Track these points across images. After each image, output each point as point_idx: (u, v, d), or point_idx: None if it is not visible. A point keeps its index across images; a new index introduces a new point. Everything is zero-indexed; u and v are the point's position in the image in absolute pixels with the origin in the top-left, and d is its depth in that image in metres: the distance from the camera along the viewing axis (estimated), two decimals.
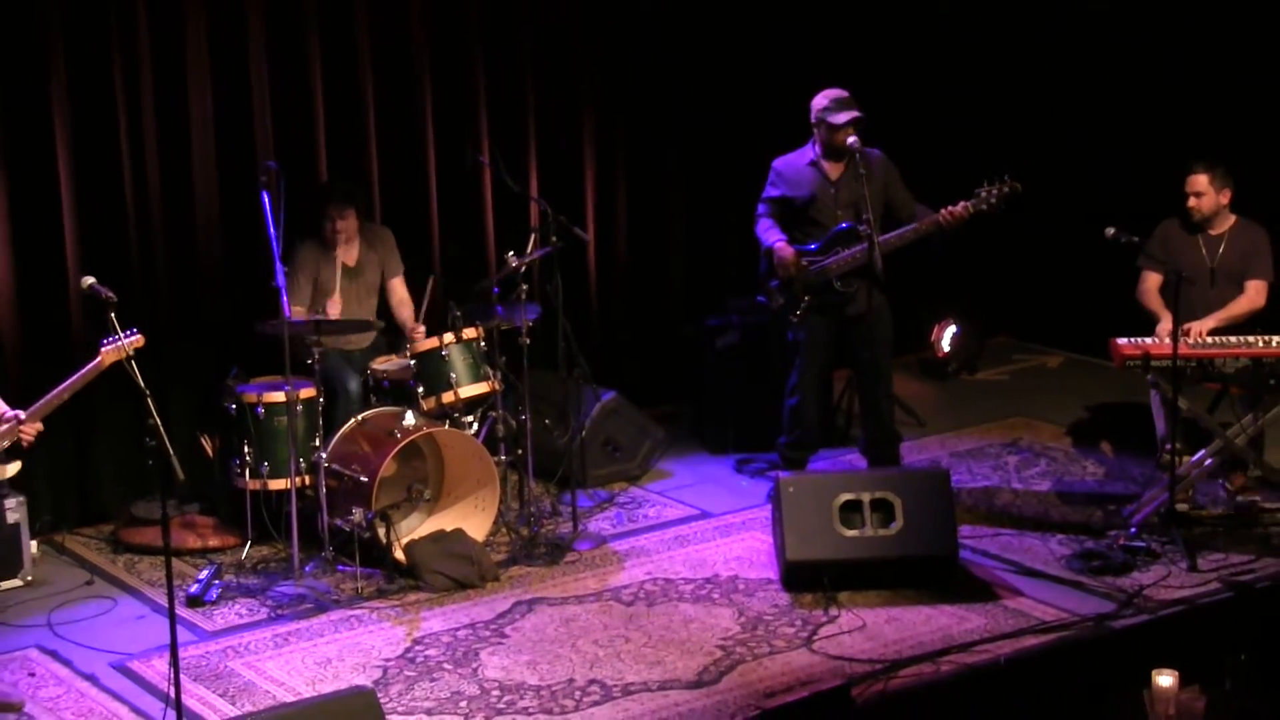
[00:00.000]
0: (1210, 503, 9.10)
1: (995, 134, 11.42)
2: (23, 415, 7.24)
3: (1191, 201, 9.13)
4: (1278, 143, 10.51)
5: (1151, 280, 9.25)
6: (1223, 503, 9.04)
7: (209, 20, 9.15)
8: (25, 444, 7.30)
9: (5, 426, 7.22)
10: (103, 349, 7.27)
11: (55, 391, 7.32)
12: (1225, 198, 9.14)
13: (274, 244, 8.47)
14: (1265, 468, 9.03)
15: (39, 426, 7.32)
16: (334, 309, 8.97)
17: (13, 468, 7.32)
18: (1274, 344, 8.73)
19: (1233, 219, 9.19)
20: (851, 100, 9.10)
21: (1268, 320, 9.03)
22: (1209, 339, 8.85)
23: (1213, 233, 9.19)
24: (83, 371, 7.32)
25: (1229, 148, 9.64)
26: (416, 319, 9.31)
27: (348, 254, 9.23)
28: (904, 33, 11.35)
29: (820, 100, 9.14)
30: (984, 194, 9.12)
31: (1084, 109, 11.61)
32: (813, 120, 9.18)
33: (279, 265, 8.48)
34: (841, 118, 9.06)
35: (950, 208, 9.08)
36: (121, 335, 7.15)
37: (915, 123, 10.97)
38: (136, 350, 7.20)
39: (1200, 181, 9.10)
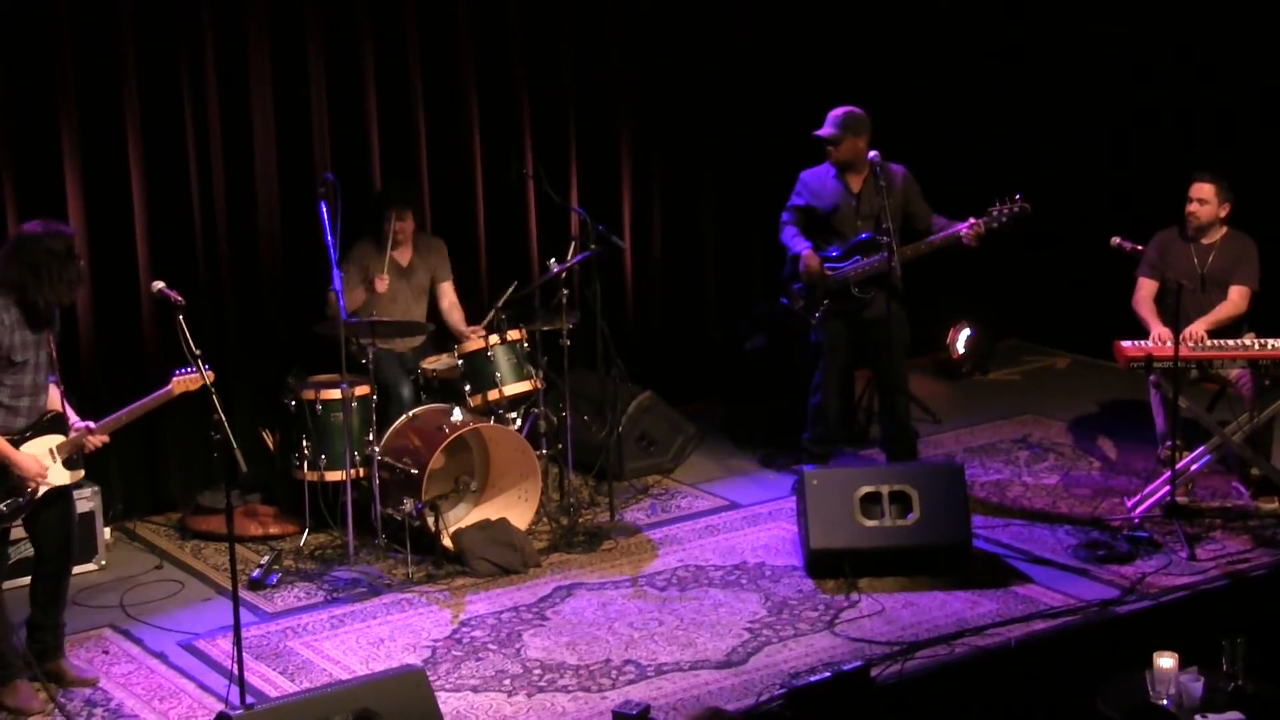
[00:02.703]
0: (1211, 495, 9.11)
1: (1008, 150, 11.39)
2: (93, 426, 7.23)
3: (1193, 207, 9.10)
4: (1271, 158, 10.47)
5: (1146, 289, 9.24)
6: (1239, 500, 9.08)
7: (271, 43, 9.18)
8: (88, 451, 7.28)
9: (74, 435, 7.22)
10: (174, 379, 7.28)
11: (125, 410, 7.28)
12: (1224, 211, 9.11)
13: (331, 251, 8.51)
14: (1267, 468, 8.97)
15: (106, 439, 7.31)
16: (380, 285, 8.97)
17: (79, 475, 7.31)
18: (1269, 347, 8.71)
19: (1224, 230, 9.17)
20: (839, 120, 9.10)
21: (1261, 324, 9.03)
22: (1209, 342, 8.83)
23: (1205, 242, 9.17)
24: (152, 397, 7.30)
25: (1226, 164, 9.61)
26: (469, 321, 9.39)
27: (401, 255, 9.24)
28: (923, 54, 11.33)
29: None
30: (995, 212, 9.14)
31: (1092, 129, 11.59)
32: None
33: (336, 271, 8.52)
34: (819, 131, 9.14)
35: (965, 227, 9.07)
36: (195, 368, 7.07)
37: (932, 137, 10.96)
38: (200, 337, 7.12)
39: (1206, 190, 9.08)
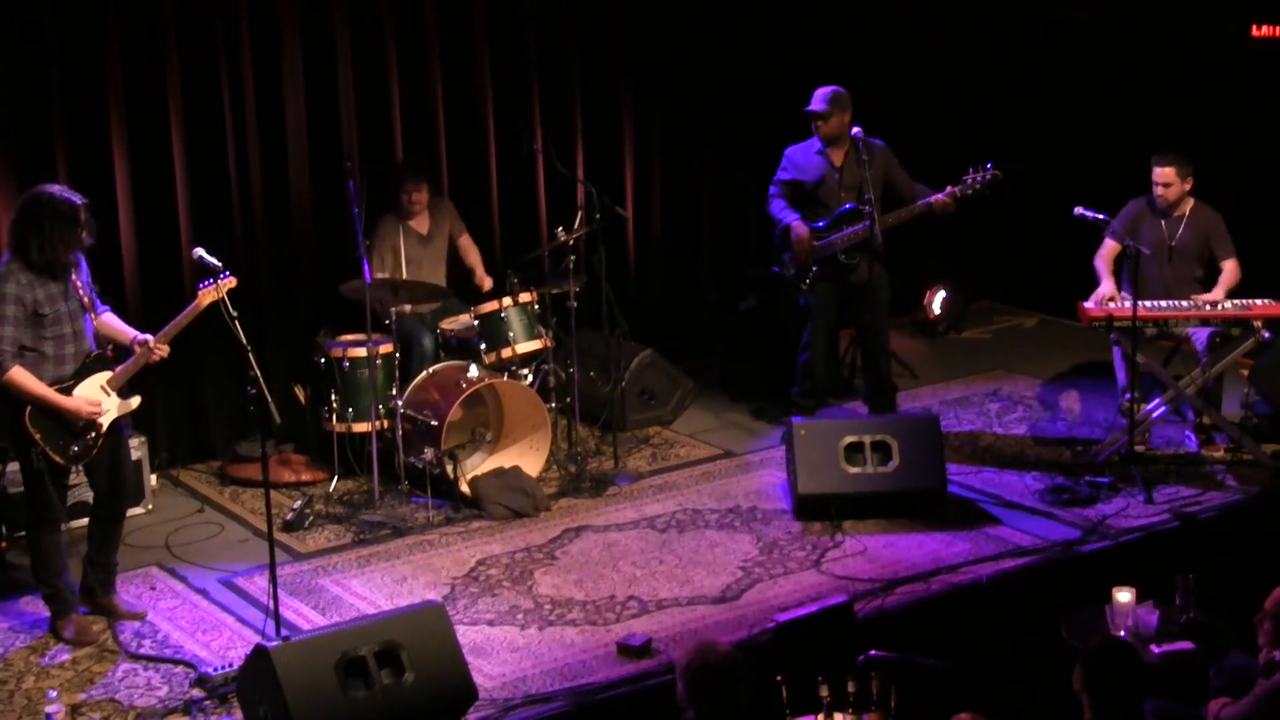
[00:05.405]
0: (1166, 444, 9.11)
1: (983, 123, 11.31)
2: (153, 339, 7.15)
3: (1160, 191, 9.03)
4: (1229, 132, 10.47)
5: (1109, 248, 9.19)
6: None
7: (301, 29, 9.15)
8: (153, 361, 7.18)
9: (139, 351, 7.11)
10: (200, 290, 7.13)
11: (171, 324, 7.16)
12: (1188, 185, 9.05)
13: (356, 222, 8.49)
14: (1217, 418, 8.99)
15: (166, 350, 7.18)
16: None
17: (135, 401, 7.24)
18: (1219, 308, 8.71)
19: (1191, 202, 9.11)
20: (828, 97, 9.09)
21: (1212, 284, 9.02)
22: (1163, 303, 8.83)
23: (1175, 215, 9.12)
24: (186, 311, 7.16)
25: (1183, 136, 9.59)
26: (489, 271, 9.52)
27: (420, 224, 9.24)
28: (903, 37, 11.28)
29: None
30: (970, 180, 9.14)
31: (1060, 102, 11.54)
32: None
33: (360, 239, 8.51)
34: (809, 106, 9.13)
35: (941, 194, 9.09)
36: (217, 277, 7.01)
37: (913, 111, 10.91)
38: (238, 301, 7.05)
39: (1169, 174, 9.00)
